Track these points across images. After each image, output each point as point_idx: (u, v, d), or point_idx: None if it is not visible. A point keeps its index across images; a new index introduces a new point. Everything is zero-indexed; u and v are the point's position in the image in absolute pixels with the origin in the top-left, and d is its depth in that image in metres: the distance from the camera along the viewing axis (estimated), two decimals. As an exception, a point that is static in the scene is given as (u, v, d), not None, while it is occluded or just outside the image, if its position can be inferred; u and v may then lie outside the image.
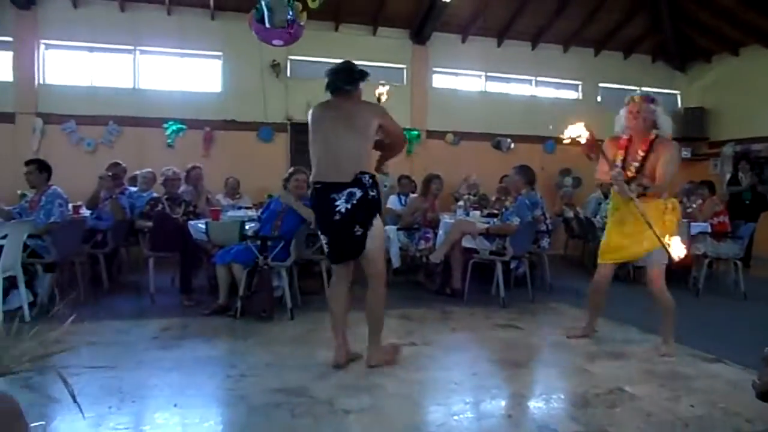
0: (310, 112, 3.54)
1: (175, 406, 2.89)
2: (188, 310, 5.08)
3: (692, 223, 6.78)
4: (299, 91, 9.18)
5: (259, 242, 4.82)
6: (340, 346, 3.57)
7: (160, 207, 5.79)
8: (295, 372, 3.42)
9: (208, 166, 7.18)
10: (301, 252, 5.23)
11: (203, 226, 5.22)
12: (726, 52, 10.63)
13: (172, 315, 4.84)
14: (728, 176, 9.26)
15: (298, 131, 9.33)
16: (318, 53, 9.42)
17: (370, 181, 3.37)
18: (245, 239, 4.97)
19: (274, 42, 5.66)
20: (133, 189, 6.57)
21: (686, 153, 11.02)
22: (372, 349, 3.59)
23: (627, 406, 3.01)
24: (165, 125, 8.77)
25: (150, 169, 6.73)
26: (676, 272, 7.03)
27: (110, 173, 6.13)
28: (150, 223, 5.57)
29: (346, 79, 3.47)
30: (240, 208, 6.58)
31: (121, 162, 6.61)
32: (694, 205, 7.38)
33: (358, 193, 3.31)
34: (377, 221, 3.45)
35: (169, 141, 8.78)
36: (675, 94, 11.56)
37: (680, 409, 2.98)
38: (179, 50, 9.03)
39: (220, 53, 9.13)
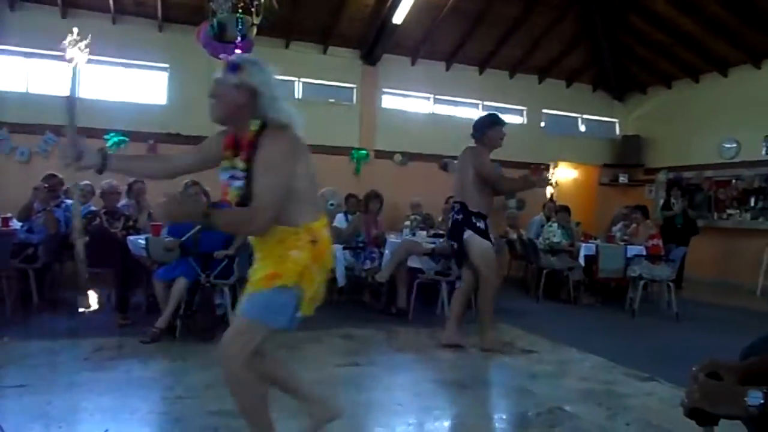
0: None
1: (107, 431, 2.76)
2: (124, 329, 4.87)
3: (628, 246, 7.06)
4: (247, 106, 9.09)
5: (200, 259, 4.69)
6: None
7: (97, 221, 5.57)
8: (236, 394, 3.32)
9: (152, 180, 6.97)
10: (245, 269, 5.11)
11: (143, 242, 5.05)
12: (660, 84, 11.23)
13: (106, 334, 4.62)
14: (662, 201, 9.71)
15: (246, 147, 9.22)
16: (268, 69, 9.39)
17: None
18: (188, 255, 4.80)
19: (222, 56, 5.59)
20: (70, 202, 6.30)
21: (623, 178, 11.53)
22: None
23: (566, 425, 3.07)
24: (106, 136, 8.47)
25: (88, 182, 6.48)
26: (614, 293, 7.35)
27: (46, 185, 5.86)
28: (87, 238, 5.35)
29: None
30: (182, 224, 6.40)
31: (58, 174, 6.32)
32: (619, 233, 7.73)
33: None
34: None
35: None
36: (614, 122, 12.09)
37: (616, 427, 3.06)
38: (123, 60, 8.78)
39: (166, 65, 8.95)
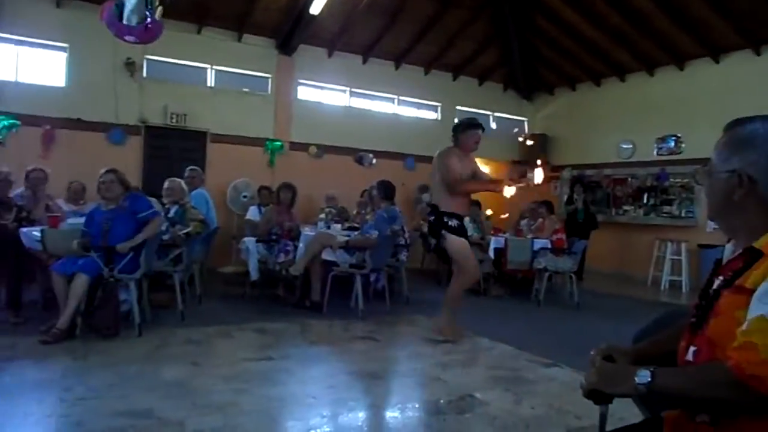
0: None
1: (-4, 436, 2.56)
2: (16, 328, 4.52)
3: (534, 240, 7.40)
4: (156, 93, 8.69)
5: (103, 253, 4.43)
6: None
7: (-15, 211, 5.13)
8: (142, 392, 3.18)
9: (49, 167, 6.49)
10: (152, 263, 4.90)
11: (38, 234, 4.69)
12: (565, 86, 11.82)
13: (-5, 333, 4.29)
14: (565, 197, 10.25)
15: (154, 135, 8.83)
16: (178, 55, 9.02)
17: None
18: (89, 250, 4.51)
19: (127, 38, 5.28)
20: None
21: (531, 175, 12.02)
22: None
23: (476, 411, 3.18)
24: (-5, 119, 7.82)
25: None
26: (521, 285, 7.68)
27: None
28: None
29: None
30: (83, 215, 6.02)
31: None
32: (526, 227, 8.11)
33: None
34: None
35: (-1, 137, 7.84)
36: (523, 121, 12.60)
37: (522, 411, 3.21)
38: (14, 36, 8.10)
39: (65, 45, 8.34)
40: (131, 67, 8.45)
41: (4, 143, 7.82)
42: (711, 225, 9.18)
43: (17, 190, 5.58)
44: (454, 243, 4.73)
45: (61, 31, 8.22)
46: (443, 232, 4.72)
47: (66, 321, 4.19)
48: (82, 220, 5.42)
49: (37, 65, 8.32)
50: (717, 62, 9.31)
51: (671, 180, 9.88)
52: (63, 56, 8.38)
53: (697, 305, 1.35)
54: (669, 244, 9.35)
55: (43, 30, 8.13)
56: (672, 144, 9.93)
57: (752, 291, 1.17)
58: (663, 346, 1.52)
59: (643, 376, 1.22)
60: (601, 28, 9.68)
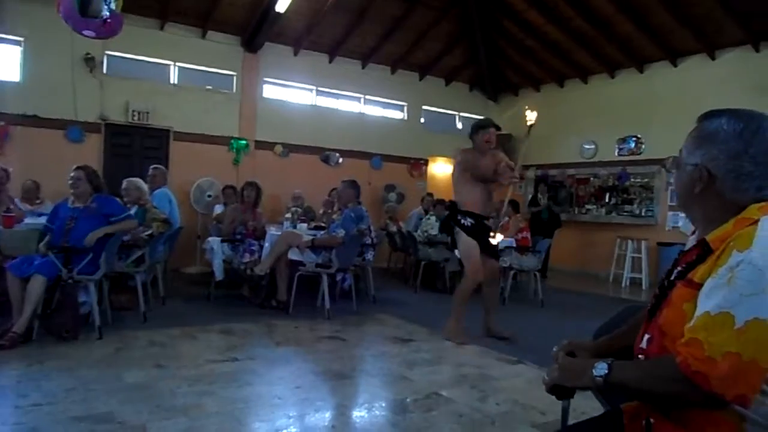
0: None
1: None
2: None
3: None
4: (116, 89, 8.49)
5: (61, 253, 4.29)
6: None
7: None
8: (102, 396, 3.10)
9: (4, 165, 6.27)
10: (113, 264, 4.78)
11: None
12: (530, 87, 11.99)
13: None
14: (530, 197, 10.41)
15: (115, 133, 8.62)
16: (140, 51, 8.84)
17: None
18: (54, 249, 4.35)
19: (85, 33, 5.15)
20: None
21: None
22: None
23: (442, 409, 3.19)
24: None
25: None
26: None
27: None
28: None
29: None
30: (41, 215, 5.85)
31: None
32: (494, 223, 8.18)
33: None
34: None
35: (-50, 134, 7.54)
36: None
37: (488, 408, 3.24)
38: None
39: (20, 38, 8.07)
40: (91, 62, 8.24)
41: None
42: (670, 224, 9.46)
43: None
44: (462, 242, 4.87)
45: (17, 24, 7.95)
46: (456, 228, 4.86)
47: (23, 324, 4.02)
48: (40, 219, 5.28)
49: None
50: (675, 66, 9.59)
51: (632, 180, 10.13)
52: (18, 50, 8.11)
53: (655, 294, 1.39)
54: (630, 242, 9.59)
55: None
56: (632, 144, 10.18)
57: (700, 285, 1.20)
58: (621, 341, 1.56)
59: (601, 368, 1.26)
60: (565, 31, 9.87)
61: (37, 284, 4.09)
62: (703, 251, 1.26)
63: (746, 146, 1.26)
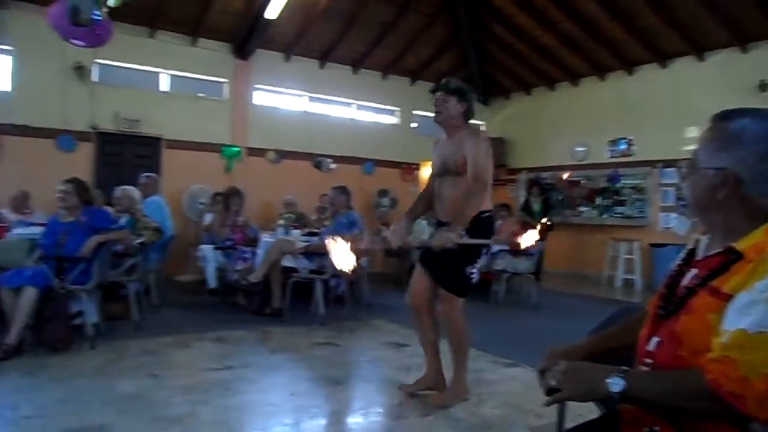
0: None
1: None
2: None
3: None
4: (107, 98, 8.46)
5: (54, 263, 4.26)
6: None
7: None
8: (95, 407, 3.08)
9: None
10: (105, 273, 4.75)
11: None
12: (521, 90, 12.04)
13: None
14: (522, 200, 10.42)
15: (106, 142, 8.59)
16: (130, 60, 8.82)
17: None
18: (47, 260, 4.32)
19: (75, 42, 5.14)
20: None
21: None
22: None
23: (439, 414, 3.18)
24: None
25: None
26: (481, 287, 7.75)
27: None
28: None
29: None
30: (31, 224, 5.81)
31: None
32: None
33: None
34: None
35: (-61, 145, 7.48)
36: (480, 125, 12.75)
37: (484, 412, 3.24)
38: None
39: (11, 48, 8.03)
40: (81, 71, 8.20)
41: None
42: (662, 224, 9.50)
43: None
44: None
45: (7, 34, 7.91)
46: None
47: (15, 336, 3.99)
48: (31, 229, 5.25)
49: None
50: (664, 68, 9.66)
51: (623, 181, 10.17)
52: (8, 60, 8.07)
53: (663, 294, 1.32)
54: (622, 243, 9.63)
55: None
56: (623, 146, 10.23)
57: (729, 296, 1.13)
58: (615, 341, 1.52)
59: (616, 384, 1.15)
60: (554, 34, 9.92)
61: (29, 295, 4.06)
62: (729, 259, 1.19)
63: None
